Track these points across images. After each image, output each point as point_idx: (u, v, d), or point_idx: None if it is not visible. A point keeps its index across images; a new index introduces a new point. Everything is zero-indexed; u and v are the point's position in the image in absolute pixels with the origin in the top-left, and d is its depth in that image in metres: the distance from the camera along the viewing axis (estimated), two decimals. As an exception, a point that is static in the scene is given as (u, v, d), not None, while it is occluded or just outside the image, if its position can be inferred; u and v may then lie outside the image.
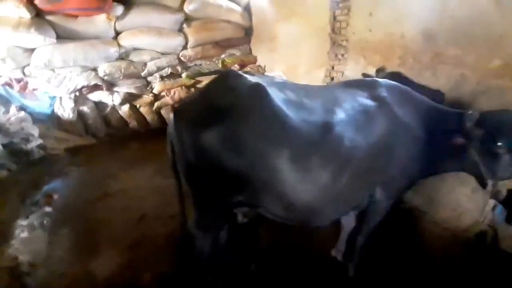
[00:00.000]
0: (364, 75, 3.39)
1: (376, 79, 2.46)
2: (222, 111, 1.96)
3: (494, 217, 3.06)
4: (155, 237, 3.34)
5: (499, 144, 2.06)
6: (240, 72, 2.20)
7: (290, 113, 1.99)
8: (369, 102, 2.23)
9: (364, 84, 2.39)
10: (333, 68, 4.86)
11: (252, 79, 2.13)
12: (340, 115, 2.10)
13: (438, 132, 2.28)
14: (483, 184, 2.26)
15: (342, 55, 4.68)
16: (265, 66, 6.14)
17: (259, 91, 2.00)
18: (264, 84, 2.04)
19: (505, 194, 2.23)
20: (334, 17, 4.64)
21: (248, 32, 6.14)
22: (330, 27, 4.73)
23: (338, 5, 4.55)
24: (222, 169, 1.98)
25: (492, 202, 3.10)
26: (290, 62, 5.55)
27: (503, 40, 3.14)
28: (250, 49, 6.29)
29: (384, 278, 2.82)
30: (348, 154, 2.05)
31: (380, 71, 3.22)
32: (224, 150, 1.94)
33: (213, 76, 5.92)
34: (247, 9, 6.04)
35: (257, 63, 6.23)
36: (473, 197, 3.16)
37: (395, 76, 3.22)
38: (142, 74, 5.49)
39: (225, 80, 2.13)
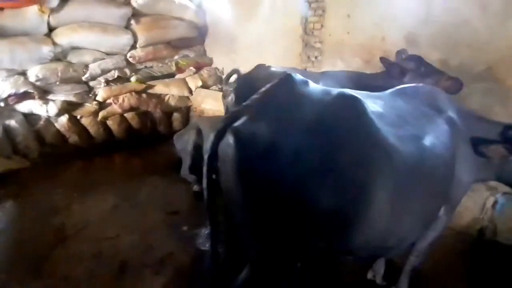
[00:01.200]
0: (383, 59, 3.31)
1: (432, 87, 2.33)
2: (308, 130, 1.58)
3: (494, 213, 3.25)
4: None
5: None
6: (299, 76, 1.84)
7: (387, 129, 1.70)
8: (433, 114, 2.07)
9: (421, 93, 2.22)
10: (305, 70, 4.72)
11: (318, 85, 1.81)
12: (420, 128, 1.90)
13: (482, 143, 2.24)
14: None
15: (316, 57, 4.56)
16: (223, 69, 5.71)
17: (354, 105, 1.68)
18: (351, 92, 1.73)
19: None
20: (306, 18, 4.50)
21: (202, 31, 5.63)
22: (302, 28, 4.57)
23: (311, 5, 4.41)
24: (309, 203, 1.60)
25: (492, 199, 3.29)
26: (254, 65, 5.24)
27: (487, 46, 3.33)
28: (204, 50, 5.79)
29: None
30: (432, 173, 1.86)
31: (401, 53, 3.22)
32: (314, 180, 1.57)
33: (167, 80, 5.47)
34: (200, 7, 5.52)
35: (213, 65, 5.76)
36: (474, 196, 3.30)
37: (416, 58, 3.21)
38: (83, 78, 4.62)
39: (294, 88, 1.75)
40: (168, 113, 5.49)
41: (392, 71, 3.25)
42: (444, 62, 3.61)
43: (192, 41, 5.54)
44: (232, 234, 1.95)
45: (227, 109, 3.24)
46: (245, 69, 5.38)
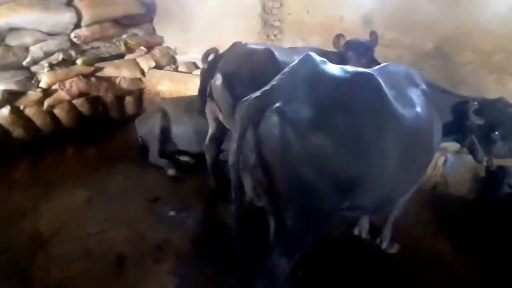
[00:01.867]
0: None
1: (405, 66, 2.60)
2: (341, 107, 1.78)
3: (444, 170, 3.80)
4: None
5: (496, 133, 2.51)
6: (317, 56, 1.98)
7: (395, 101, 1.98)
8: (413, 87, 2.35)
9: (400, 70, 2.48)
10: (264, 49, 4.77)
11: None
12: (411, 99, 2.19)
13: (447, 113, 2.64)
14: (478, 160, 2.71)
15: (275, 35, 4.64)
16: (176, 49, 5.47)
17: (372, 80, 1.91)
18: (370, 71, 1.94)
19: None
20: (265, -4, 4.51)
21: (150, 8, 5.26)
22: (261, 7, 4.58)
23: (269, -16, 4.43)
24: (342, 172, 1.80)
25: (442, 158, 3.82)
26: (211, 44, 5.10)
27: (436, 26, 3.76)
28: (153, 28, 5.45)
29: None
30: (423, 137, 2.20)
31: (339, 38, 3.41)
32: (345, 150, 1.77)
33: (116, 62, 5.05)
34: (146, -19, 5.15)
35: (164, 45, 5.47)
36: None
37: (355, 46, 3.41)
38: (24, 63, 4.08)
39: (316, 67, 1.91)
40: (120, 96, 5.13)
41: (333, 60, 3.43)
42: (398, 40, 3.98)
43: (140, 18, 5.17)
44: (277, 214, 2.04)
45: (205, 89, 3.09)
46: (201, 49, 5.27)
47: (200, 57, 5.13)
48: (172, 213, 3.33)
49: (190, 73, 5.22)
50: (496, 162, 2.60)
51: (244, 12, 4.72)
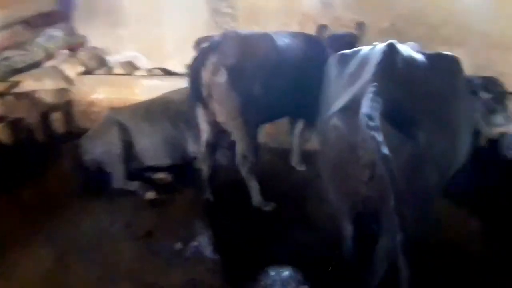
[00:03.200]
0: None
1: None
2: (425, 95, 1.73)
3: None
4: None
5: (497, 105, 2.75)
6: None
7: None
8: None
9: None
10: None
11: None
12: None
13: None
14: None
15: (227, 23, 4.28)
16: (105, 48, 4.63)
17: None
18: None
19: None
20: (212, -19, 4.10)
21: (64, 2, 4.31)
22: (208, -7, 4.16)
23: (215, -34, 4.03)
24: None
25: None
26: (149, 40, 4.48)
27: (391, 4, 3.94)
28: (72, 27, 4.49)
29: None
30: None
31: (322, 29, 3.34)
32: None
33: (35, 72, 4.01)
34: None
35: (89, 45, 4.58)
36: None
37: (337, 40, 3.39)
38: None
39: (401, 58, 1.78)
40: (44, 114, 4.15)
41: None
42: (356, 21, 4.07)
43: (55, 16, 4.22)
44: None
45: (197, 82, 2.63)
46: (138, 46, 4.61)
47: (138, 54, 4.59)
48: (179, 245, 2.74)
49: (130, 74, 4.51)
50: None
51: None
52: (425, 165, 1.60)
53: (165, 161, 3.62)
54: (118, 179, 3.43)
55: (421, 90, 1.68)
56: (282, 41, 2.87)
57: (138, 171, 3.56)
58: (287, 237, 2.84)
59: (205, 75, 2.58)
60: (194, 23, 4.29)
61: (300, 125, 3.81)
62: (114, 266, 2.56)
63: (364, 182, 1.64)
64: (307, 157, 4.01)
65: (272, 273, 2.41)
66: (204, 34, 4.30)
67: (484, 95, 2.67)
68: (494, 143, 2.97)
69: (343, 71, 1.92)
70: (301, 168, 3.91)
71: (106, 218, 3.06)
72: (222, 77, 2.51)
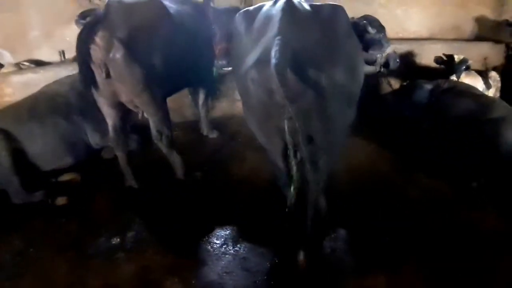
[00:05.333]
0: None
1: None
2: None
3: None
4: None
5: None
6: None
7: None
8: None
9: None
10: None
11: None
12: None
13: None
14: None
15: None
16: None
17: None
18: None
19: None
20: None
21: None
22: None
23: None
24: None
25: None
26: (10, 28, 3.79)
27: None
28: None
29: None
30: None
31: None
32: None
33: None
34: None
35: None
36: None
37: None
38: None
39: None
40: None
41: None
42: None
43: None
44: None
45: (87, 59, 2.34)
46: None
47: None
48: (116, 239, 2.55)
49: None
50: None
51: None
52: (330, 102, 1.85)
53: (66, 161, 3.25)
54: (16, 194, 2.95)
55: (319, 37, 1.87)
56: (171, 7, 2.76)
57: (40, 179, 3.14)
58: (219, 199, 2.91)
59: (97, 53, 2.33)
60: (62, 6, 3.79)
61: (201, 95, 3.81)
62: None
63: (284, 119, 1.89)
64: (216, 124, 4.12)
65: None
66: (76, 11, 3.87)
67: (371, 30, 3.03)
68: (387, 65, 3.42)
69: (250, 27, 2.04)
70: (213, 135, 3.97)
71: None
72: (118, 52, 2.30)
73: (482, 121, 2.97)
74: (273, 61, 1.64)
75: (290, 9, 1.91)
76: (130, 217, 2.74)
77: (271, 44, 1.73)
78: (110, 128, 2.79)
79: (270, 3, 2.10)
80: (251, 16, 2.08)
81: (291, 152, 1.98)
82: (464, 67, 3.85)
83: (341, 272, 2.25)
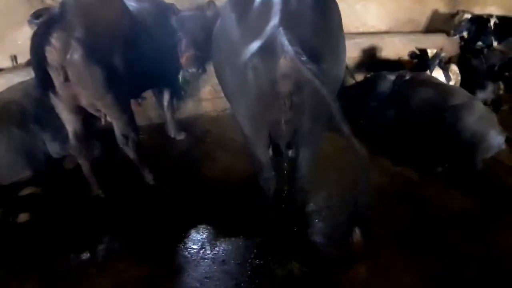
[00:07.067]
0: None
1: None
2: None
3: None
4: None
5: None
6: None
7: None
8: None
9: None
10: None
11: None
12: None
13: None
14: None
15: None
16: None
17: None
18: None
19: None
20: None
21: None
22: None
23: None
24: None
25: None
26: None
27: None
28: None
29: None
30: None
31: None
32: None
33: None
34: None
35: None
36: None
37: None
38: None
39: None
40: None
41: None
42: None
43: None
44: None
45: (43, 62, 2.18)
46: None
47: None
48: (86, 255, 2.38)
49: None
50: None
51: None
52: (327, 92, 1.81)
53: (25, 173, 2.99)
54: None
55: (318, 27, 1.83)
56: (131, 5, 2.63)
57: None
58: (192, 202, 2.81)
59: (53, 55, 2.16)
60: (17, 4, 3.52)
61: (166, 96, 3.69)
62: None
63: (284, 110, 1.88)
64: (183, 125, 4.00)
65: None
66: (27, 12, 3.60)
67: None
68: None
69: (245, 13, 1.91)
70: (181, 137, 3.85)
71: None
72: (76, 53, 2.15)
73: (444, 108, 3.09)
74: (288, 48, 1.61)
75: None
76: (99, 229, 2.59)
77: (275, 33, 1.69)
78: (70, 135, 2.62)
79: None
80: (245, 3, 1.95)
81: (283, 145, 1.96)
82: (438, 61, 3.98)
83: (322, 267, 2.23)
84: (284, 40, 1.63)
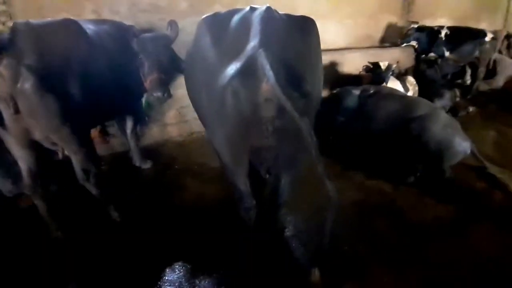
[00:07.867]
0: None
1: None
2: None
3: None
4: None
5: None
6: None
7: None
8: None
9: None
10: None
11: None
12: None
13: None
14: None
15: (4, 23, 3.38)
16: None
17: None
18: None
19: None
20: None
21: None
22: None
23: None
24: None
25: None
26: None
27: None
28: None
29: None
30: None
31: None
32: None
33: None
34: None
35: None
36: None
37: None
38: None
39: None
40: None
41: None
42: (155, 5, 3.94)
43: None
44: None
45: None
46: None
47: None
48: None
49: None
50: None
51: None
52: (309, 110, 1.79)
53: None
54: None
55: (299, 48, 1.78)
56: (88, 28, 2.47)
57: None
58: (163, 237, 2.58)
59: (1, 84, 1.96)
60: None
61: (129, 122, 3.49)
62: None
63: (266, 136, 1.79)
64: (148, 152, 3.80)
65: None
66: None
67: None
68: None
69: (221, 35, 1.81)
70: (147, 165, 3.64)
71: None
72: (27, 82, 1.95)
73: (409, 120, 3.16)
74: (268, 73, 1.54)
75: (270, 17, 1.77)
76: (60, 276, 2.30)
77: (254, 56, 1.59)
78: (24, 172, 2.35)
79: (245, 10, 1.87)
80: (221, 23, 1.84)
81: (263, 170, 1.85)
82: (390, 72, 4.12)
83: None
84: (265, 64, 1.55)
